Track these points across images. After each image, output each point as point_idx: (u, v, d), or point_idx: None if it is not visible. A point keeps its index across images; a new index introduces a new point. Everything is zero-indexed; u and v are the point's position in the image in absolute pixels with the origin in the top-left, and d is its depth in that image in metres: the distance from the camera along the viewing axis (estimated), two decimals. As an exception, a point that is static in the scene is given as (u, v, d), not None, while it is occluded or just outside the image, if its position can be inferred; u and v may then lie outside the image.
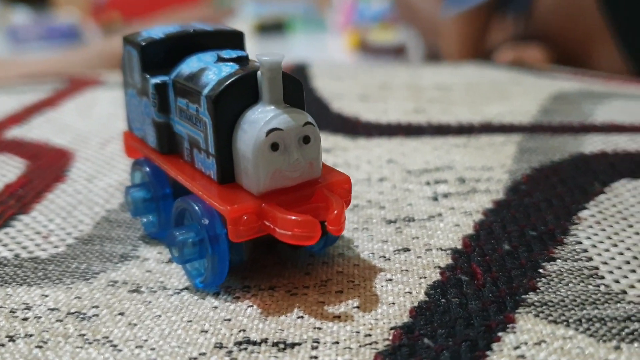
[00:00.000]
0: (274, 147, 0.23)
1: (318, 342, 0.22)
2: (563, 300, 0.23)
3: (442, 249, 0.27)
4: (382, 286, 0.25)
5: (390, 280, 0.25)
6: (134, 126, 0.29)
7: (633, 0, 0.62)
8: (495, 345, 0.21)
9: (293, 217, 0.22)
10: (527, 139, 0.38)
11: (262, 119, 0.23)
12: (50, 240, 0.29)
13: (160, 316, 0.24)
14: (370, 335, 0.22)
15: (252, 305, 0.24)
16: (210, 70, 0.25)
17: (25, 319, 0.23)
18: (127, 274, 0.26)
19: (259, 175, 0.23)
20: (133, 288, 0.25)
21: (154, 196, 0.28)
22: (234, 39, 0.28)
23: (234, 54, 0.25)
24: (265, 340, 0.22)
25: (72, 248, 0.28)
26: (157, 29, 0.28)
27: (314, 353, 0.21)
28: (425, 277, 0.25)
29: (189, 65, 0.26)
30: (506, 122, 0.41)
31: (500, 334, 0.21)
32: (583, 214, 0.29)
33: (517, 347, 0.21)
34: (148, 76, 0.27)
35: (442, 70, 0.59)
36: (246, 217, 0.23)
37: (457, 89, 0.50)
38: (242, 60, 0.25)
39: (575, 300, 0.23)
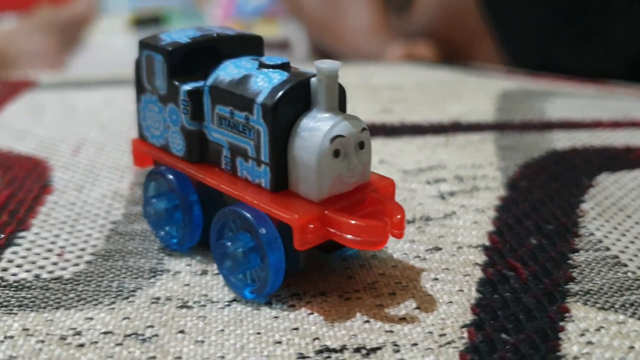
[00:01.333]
0: (336, 153, 0.23)
1: (398, 345, 0.22)
2: (602, 288, 0.25)
3: (472, 246, 0.28)
4: (431, 286, 0.25)
5: (437, 279, 0.26)
6: (149, 134, 0.28)
7: (511, 3, 0.68)
8: (562, 335, 0.22)
9: (362, 223, 0.23)
10: (501, 137, 0.40)
11: (323, 126, 0.23)
12: (66, 258, 0.27)
13: (223, 330, 0.23)
14: (444, 334, 0.22)
15: (311, 313, 0.24)
16: (257, 77, 0.24)
17: (81, 346, 0.22)
18: (166, 290, 0.25)
19: (321, 182, 0.23)
20: (180, 304, 0.24)
21: (180, 204, 0.27)
22: (254, 44, 0.28)
23: (277, 60, 0.25)
24: (345, 347, 0.22)
25: (93, 265, 0.27)
26: (177, 32, 0.27)
27: (398, 356, 0.21)
28: (469, 275, 0.26)
29: (227, 72, 0.25)
30: (473, 121, 0.44)
31: (561, 323, 0.23)
32: (584, 207, 0.31)
33: (582, 335, 0.22)
34: (177, 83, 0.26)
35: (383, 70, 0.61)
36: (312, 224, 0.23)
37: (410, 89, 0.52)
38: (286, 67, 0.25)
39: (612, 287, 0.25)
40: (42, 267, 0.26)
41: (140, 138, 0.29)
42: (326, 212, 0.23)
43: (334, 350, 0.22)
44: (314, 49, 0.95)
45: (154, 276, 0.26)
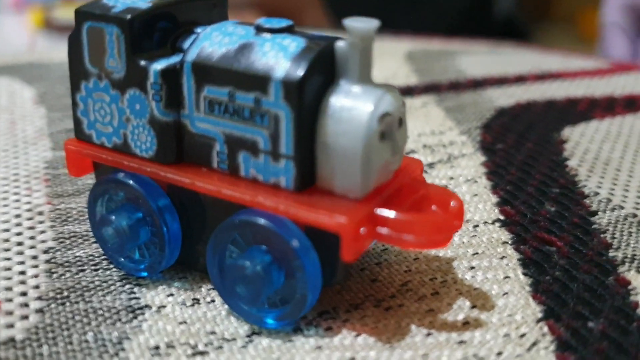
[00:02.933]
0: (382, 135, 0.19)
1: (482, 358, 0.18)
2: (643, 252, 0.23)
3: (488, 223, 0.25)
4: (472, 277, 0.22)
5: (473, 268, 0.22)
6: (95, 131, 0.21)
7: None
8: (640, 312, 0.20)
9: (425, 219, 0.18)
10: (441, 100, 0.38)
11: (364, 103, 0.18)
12: (8, 310, 0.20)
13: (266, 378, 0.18)
14: (524, 334, 0.19)
15: (358, 334, 0.19)
16: (263, 45, 0.19)
17: None
18: (161, 333, 0.19)
19: (368, 173, 0.18)
20: (189, 350, 0.19)
21: (149, 218, 0.21)
22: (218, 4, 0.22)
23: (280, 22, 0.20)
24: (426, 372, 0.18)
25: (48, 315, 0.20)
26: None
27: (491, 371, 0.18)
28: (505, 257, 0.23)
29: (215, 42, 0.19)
30: (402, 85, 0.41)
31: (632, 298, 0.21)
32: (571, 164, 0.29)
33: (659, 309, 0.20)
34: (144, 61, 0.19)
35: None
36: (364, 228, 0.18)
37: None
38: (293, 30, 0.20)
39: (652, 250, 0.23)
40: (-23, 331, 0.19)
41: (78, 138, 0.22)
42: (376, 210, 0.19)
43: (417, 378, 0.18)
44: None
45: (135, 317, 0.20)
